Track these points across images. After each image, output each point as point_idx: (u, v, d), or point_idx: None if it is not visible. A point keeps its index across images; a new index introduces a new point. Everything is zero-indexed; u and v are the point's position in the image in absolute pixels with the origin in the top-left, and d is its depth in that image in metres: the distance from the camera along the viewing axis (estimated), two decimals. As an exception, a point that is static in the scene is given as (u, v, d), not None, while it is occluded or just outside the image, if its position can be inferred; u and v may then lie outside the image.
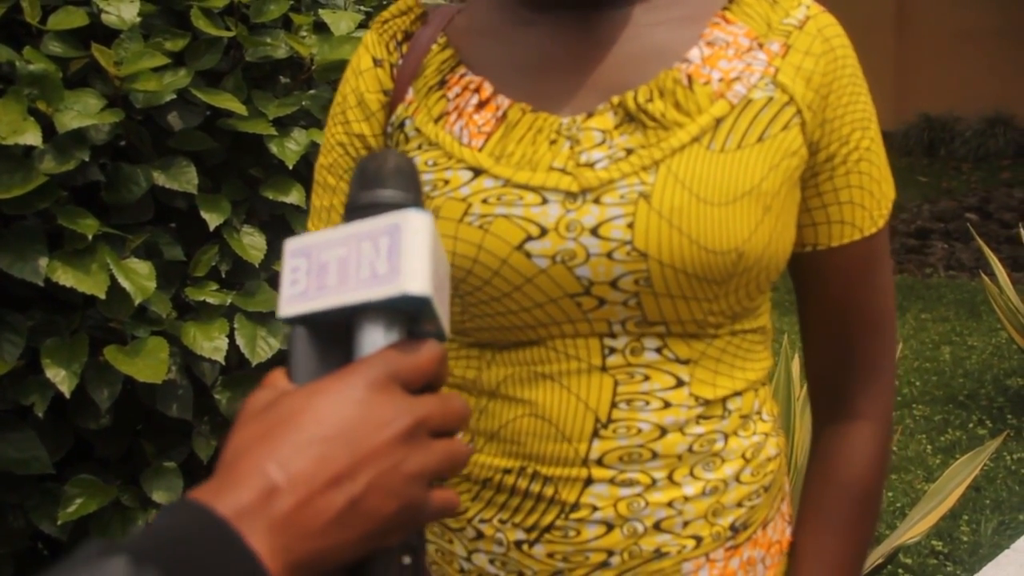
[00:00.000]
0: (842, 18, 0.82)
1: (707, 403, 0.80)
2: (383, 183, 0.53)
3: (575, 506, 0.79)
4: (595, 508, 0.78)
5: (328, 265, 0.50)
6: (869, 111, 0.83)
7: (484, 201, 0.77)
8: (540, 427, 0.80)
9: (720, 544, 0.81)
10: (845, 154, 0.82)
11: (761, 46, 0.79)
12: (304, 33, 1.68)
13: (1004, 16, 9.33)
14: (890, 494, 3.34)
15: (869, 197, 0.84)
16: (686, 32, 0.80)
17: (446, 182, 0.79)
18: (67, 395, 1.37)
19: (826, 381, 0.90)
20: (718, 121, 0.76)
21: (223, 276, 1.60)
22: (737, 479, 0.82)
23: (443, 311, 0.52)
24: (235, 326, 1.55)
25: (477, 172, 0.78)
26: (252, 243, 1.59)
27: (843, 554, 0.86)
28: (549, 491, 0.79)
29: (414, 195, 0.53)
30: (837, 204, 0.83)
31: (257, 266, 1.59)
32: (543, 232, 0.75)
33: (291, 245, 0.52)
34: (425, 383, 0.51)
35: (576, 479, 0.79)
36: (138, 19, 1.48)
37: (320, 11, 1.73)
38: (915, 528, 2.37)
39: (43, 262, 1.36)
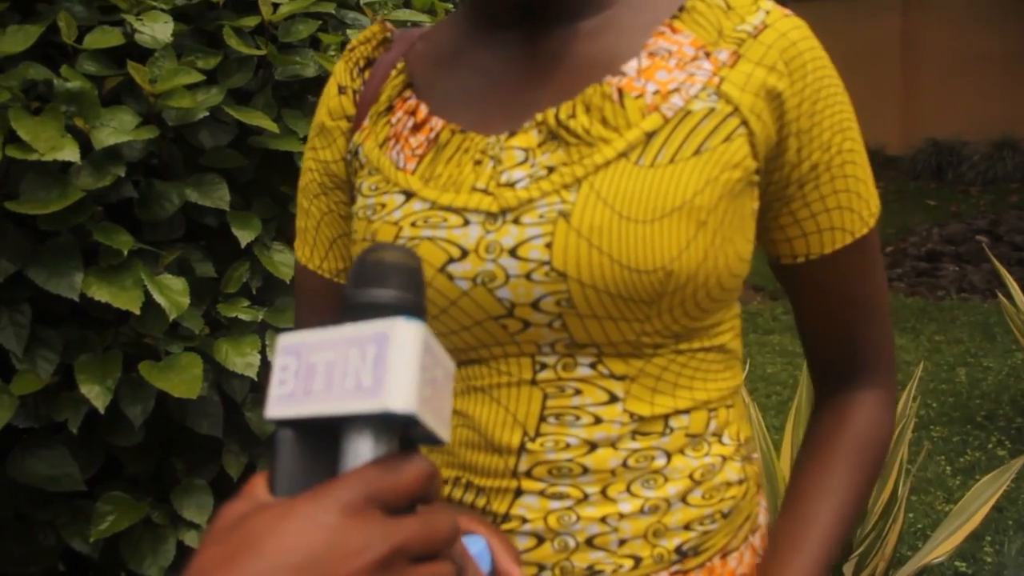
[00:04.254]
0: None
1: (642, 419, 0.77)
2: (379, 282, 0.50)
3: (506, 517, 0.78)
4: (525, 520, 0.77)
5: (316, 368, 0.48)
6: (848, 113, 0.80)
7: (413, 224, 0.77)
8: (472, 438, 0.79)
9: (664, 567, 0.78)
10: (828, 160, 0.79)
11: (708, 55, 0.76)
12: (332, 52, 1.70)
13: (1010, 40, 9.38)
14: (911, 515, 3.32)
15: (857, 199, 0.82)
16: (630, 43, 0.77)
17: (383, 206, 0.79)
18: (101, 411, 1.37)
19: (829, 368, 0.89)
20: (649, 135, 0.73)
21: (254, 293, 1.60)
22: (683, 500, 0.79)
23: (438, 419, 0.49)
24: (266, 343, 1.55)
25: (409, 195, 0.78)
26: (283, 260, 1.60)
27: (848, 493, 0.83)
28: (481, 501, 0.79)
29: (412, 295, 0.50)
30: (826, 212, 0.81)
31: (288, 282, 1.60)
32: (464, 254, 0.75)
33: (283, 341, 0.50)
34: (410, 502, 0.48)
35: (506, 490, 0.78)
36: (171, 38, 1.49)
37: (347, 31, 1.75)
38: (939, 549, 2.35)
39: (78, 278, 1.37)
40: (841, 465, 0.84)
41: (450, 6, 2.08)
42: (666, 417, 0.78)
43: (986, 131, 9.20)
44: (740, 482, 0.83)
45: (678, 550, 0.79)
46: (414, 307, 0.50)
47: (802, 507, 0.82)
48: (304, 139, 1.61)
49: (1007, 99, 9.35)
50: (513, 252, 0.73)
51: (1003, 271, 3.83)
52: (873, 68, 9.58)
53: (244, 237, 1.54)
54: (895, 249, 7.13)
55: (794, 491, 0.84)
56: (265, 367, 1.53)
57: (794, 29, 0.77)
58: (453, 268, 0.75)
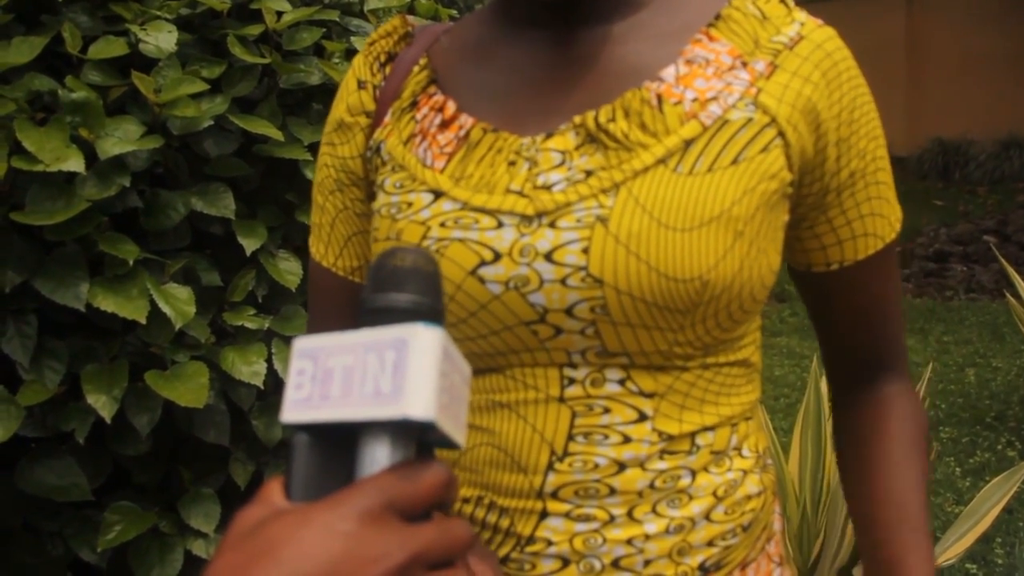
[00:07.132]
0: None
1: (671, 438, 0.76)
2: (398, 286, 0.49)
3: (530, 539, 0.76)
4: (550, 542, 0.76)
5: (333, 373, 0.48)
6: (877, 120, 0.81)
7: (442, 224, 0.75)
8: (497, 457, 0.78)
9: None
10: (863, 167, 0.80)
11: (745, 65, 0.75)
12: (336, 59, 1.70)
13: (1015, 39, 9.35)
14: (921, 518, 3.30)
15: (887, 205, 0.83)
16: (666, 49, 0.77)
17: (409, 204, 0.77)
18: (108, 420, 1.37)
19: (855, 370, 0.90)
20: (687, 143, 0.72)
21: (260, 301, 1.60)
22: (707, 517, 0.78)
23: (455, 424, 0.49)
24: (272, 351, 1.55)
25: (437, 194, 0.76)
26: (288, 268, 1.60)
27: (921, 482, 0.85)
28: (505, 523, 0.77)
29: (430, 299, 0.50)
30: (860, 218, 0.81)
31: (293, 291, 1.60)
32: (496, 257, 0.73)
33: (299, 345, 0.50)
34: (426, 509, 0.48)
35: (531, 511, 0.77)
36: (175, 48, 1.49)
37: (352, 38, 1.75)
38: (949, 551, 2.34)
39: (84, 288, 1.37)
40: (906, 460, 0.86)
41: (454, 12, 2.08)
42: (693, 435, 0.77)
43: (993, 130, 9.18)
44: (759, 494, 0.82)
45: (701, 567, 0.78)
46: (432, 311, 0.49)
47: (901, 511, 0.84)
48: (309, 147, 1.61)
49: (1013, 98, 9.32)
50: (548, 256, 0.72)
51: (1011, 271, 3.82)
52: (878, 68, 9.56)
53: (250, 245, 1.54)
54: (903, 250, 7.12)
55: (886, 498, 0.85)
56: (271, 375, 1.53)
57: (828, 40, 0.78)
58: (485, 271, 0.73)
